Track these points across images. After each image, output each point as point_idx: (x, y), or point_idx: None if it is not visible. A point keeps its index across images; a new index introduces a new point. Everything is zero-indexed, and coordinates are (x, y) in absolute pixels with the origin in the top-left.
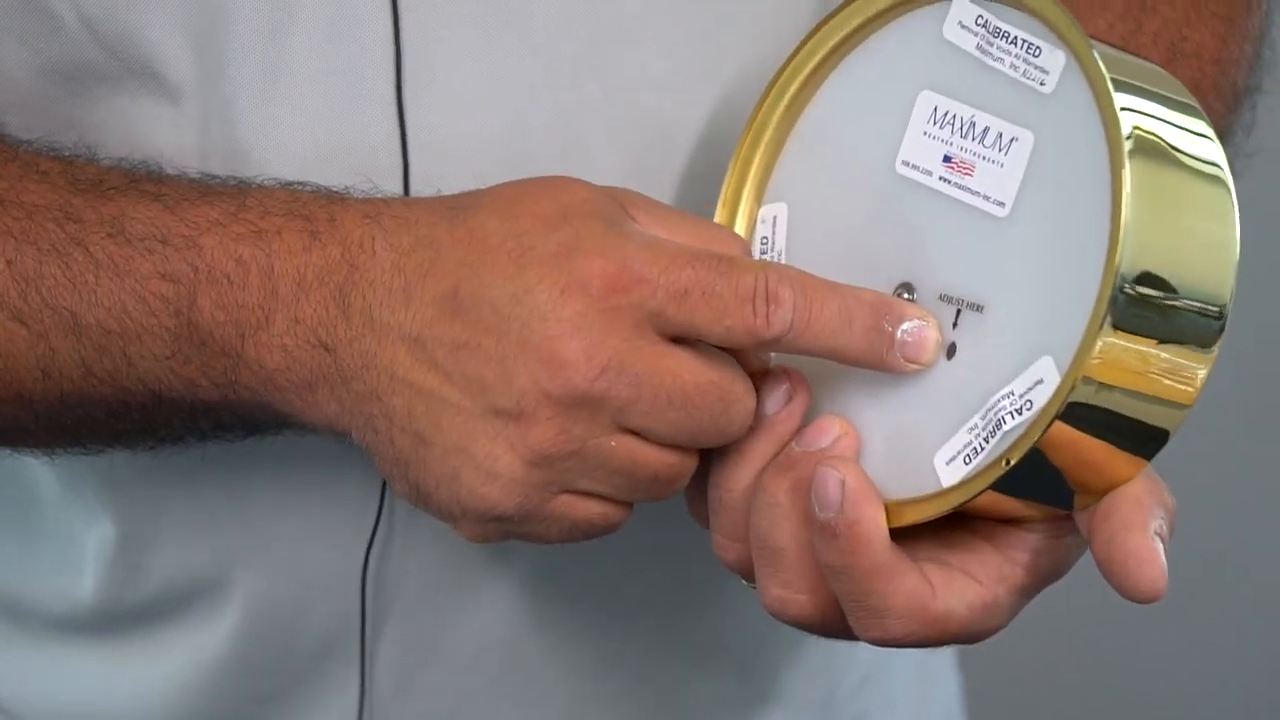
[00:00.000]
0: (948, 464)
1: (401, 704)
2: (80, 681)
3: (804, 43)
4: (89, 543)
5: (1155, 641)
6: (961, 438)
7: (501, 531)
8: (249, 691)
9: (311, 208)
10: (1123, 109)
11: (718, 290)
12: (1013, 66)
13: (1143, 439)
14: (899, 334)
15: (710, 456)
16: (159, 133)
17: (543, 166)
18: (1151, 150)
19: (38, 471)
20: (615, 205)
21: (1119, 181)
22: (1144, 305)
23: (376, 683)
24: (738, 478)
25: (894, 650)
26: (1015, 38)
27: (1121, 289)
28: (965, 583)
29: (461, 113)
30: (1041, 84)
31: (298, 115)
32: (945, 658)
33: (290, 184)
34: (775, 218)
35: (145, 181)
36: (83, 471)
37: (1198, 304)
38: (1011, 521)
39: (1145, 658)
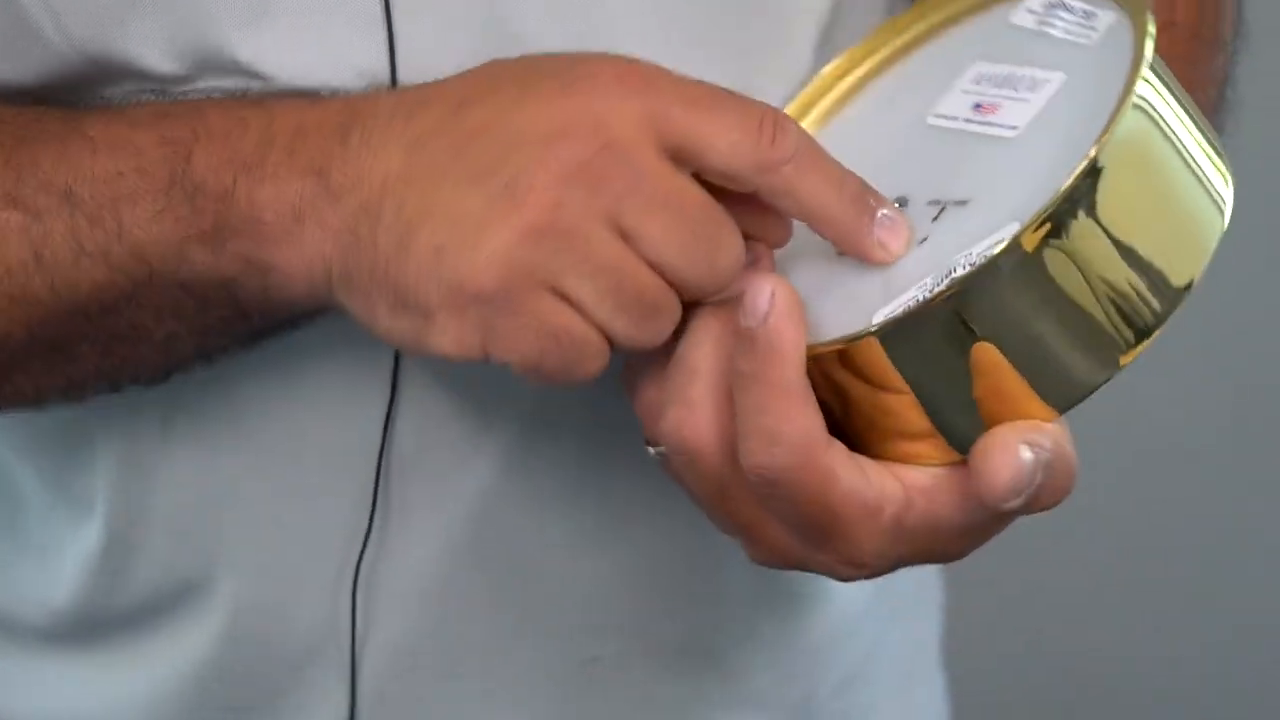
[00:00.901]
0: (883, 314)
1: (390, 712)
2: (63, 689)
3: (888, 24)
4: (72, 549)
5: (1143, 645)
6: (912, 294)
7: (479, 327)
8: (232, 699)
9: (314, 93)
10: (1153, 52)
11: (727, 104)
12: (1066, 31)
13: (1061, 380)
14: (879, 213)
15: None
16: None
17: None
18: (1166, 100)
19: (21, 477)
20: None
21: (1126, 96)
22: (1101, 209)
23: (364, 691)
24: (690, 341)
25: (877, 648)
26: (1074, 7)
27: (1089, 181)
28: (858, 471)
29: None
30: (1088, 38)
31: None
32: (929, 658)
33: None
34: None
35: (145, 99)
36: (68, 473)
37: (1154, 267)
38: (911, 458)
39: (1132, 661)
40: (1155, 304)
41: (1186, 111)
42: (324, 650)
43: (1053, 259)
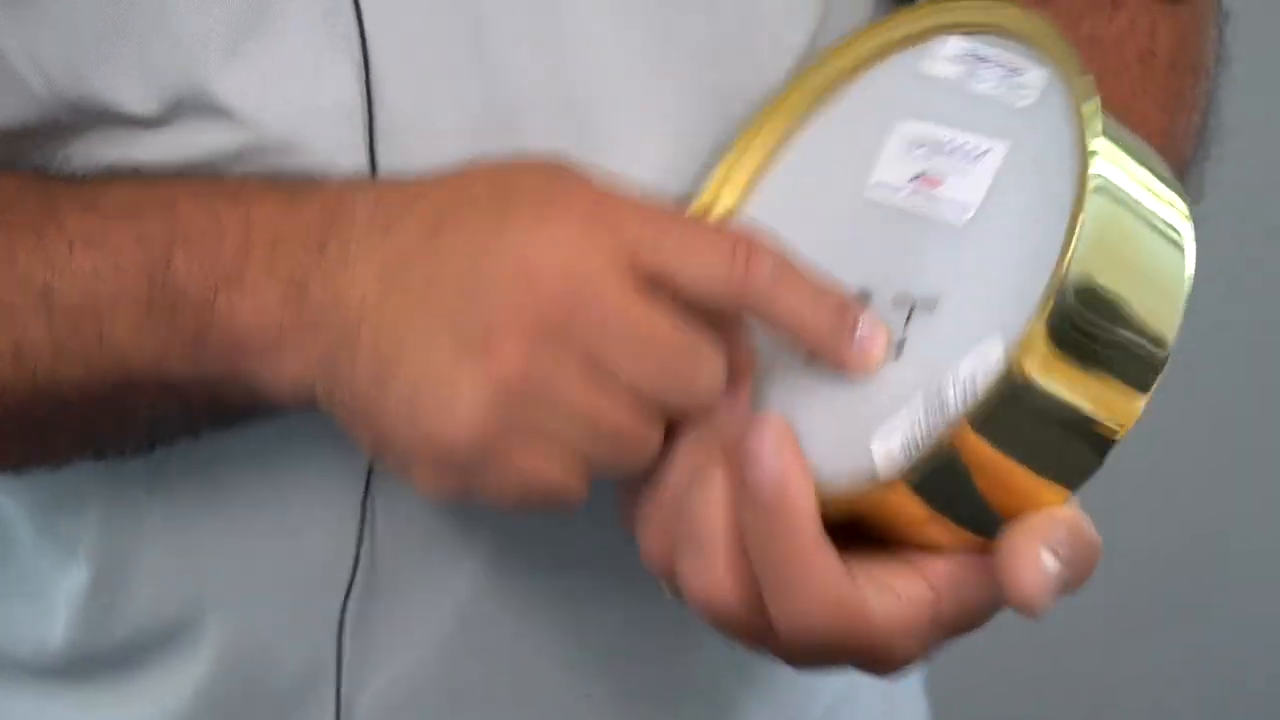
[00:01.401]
0: (888, 448)
1: None
2: None
3: (798, 79)
4: (61, 586)
5: (1128, 667)
6: (902, 426)
7: (457, 479)
8: None
9: (292, 181)
10: (1099, 118)
11: (698, 233)
12: (995, 87)
13: (1068, 464)
14: (859, 328)
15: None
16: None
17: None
18: (1121, 200)
19: (10, 514)
20: (597, 174)
21: (1083, 181)
22: (1086, 311)
23: None
24: (677, 471)
25: (859, 678)
26: (1001, 62)
27: (1068, 291)
28: (887, 592)
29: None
30: (1021, 99)
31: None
32: (912, 687)
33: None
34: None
35: (121, 168)
36: (56, 514)
37: (1138, 338)
38: (932, 548)
39: (1117, 684)
40: (1148, 367)
41: (1142, 163)
42: (313, 692)
43: (1043, 371)
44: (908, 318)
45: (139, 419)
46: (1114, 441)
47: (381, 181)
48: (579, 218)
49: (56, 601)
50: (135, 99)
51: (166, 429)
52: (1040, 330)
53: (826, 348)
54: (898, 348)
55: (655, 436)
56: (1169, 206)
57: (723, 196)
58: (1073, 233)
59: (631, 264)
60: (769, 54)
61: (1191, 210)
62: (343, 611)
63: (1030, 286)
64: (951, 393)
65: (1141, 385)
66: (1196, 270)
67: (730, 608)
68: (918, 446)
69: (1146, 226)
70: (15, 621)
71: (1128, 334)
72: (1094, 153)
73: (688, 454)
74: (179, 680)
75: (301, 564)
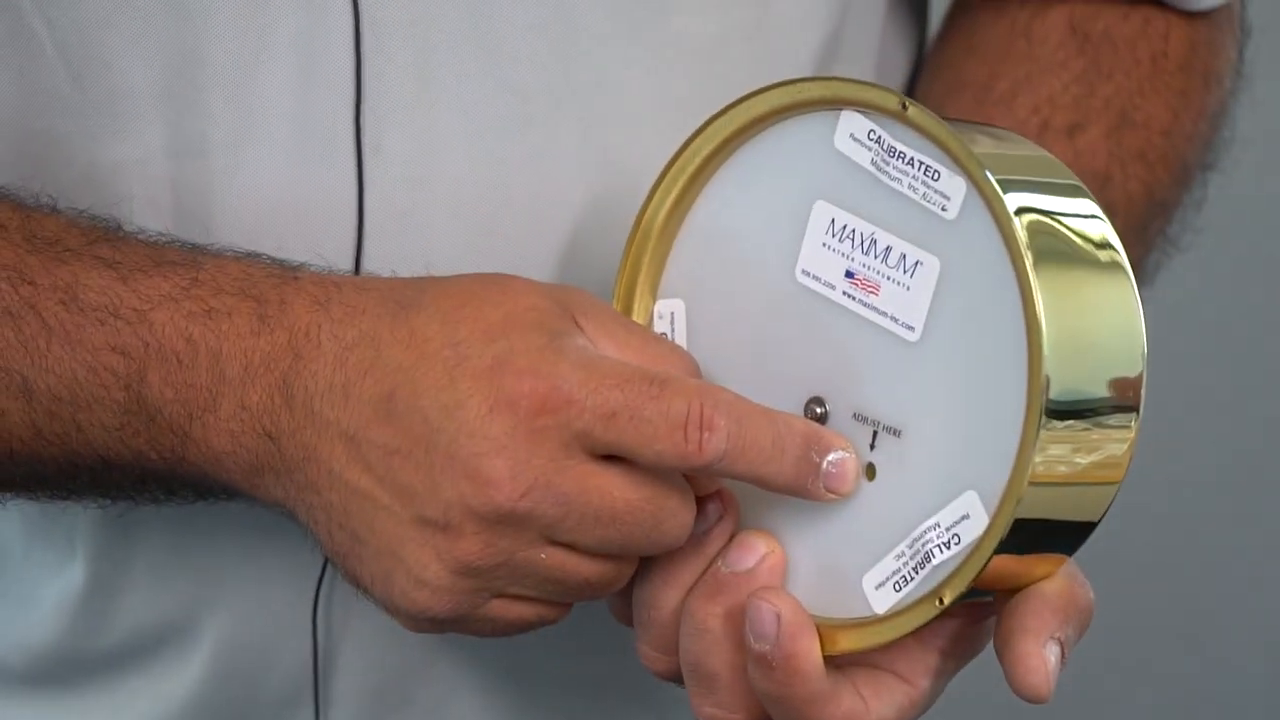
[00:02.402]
0: (877, 588)
1: None
2: None
3: (691, 139)
4: (52, 591)
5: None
6: (889, 564)
7: (438, 630)
8: None
9: (263, 287)
10: (1029, 240)
11: (647, 415)
12: (911, 188)
13: (1069, 537)
14: (824, 464)
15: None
16: (125, 175)
17: (511, 207)
18: (1058, 261)
19: (1, 518)
20: (562, 315)
21: (1035, 328)
22: (1065, 429)
23: None
24: (666, 597)
25: None
26: (912, 159)
27: (1043, 426)
28: (893, 685)
29: (425, 155)
30: (943, 209)
31: (267, 153)
32: None
33: (245, 255)
34: (673, 313)
35: (102, 244)
36: (51, 517)
37: (1114, 401)
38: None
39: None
40: (1127, 419)
41: (1066, 224)
42: (303, 690)
43: (1028, 510)
44: (873, 441)
45: (122, 492)
46: (1116, 485)
47: (343, 305)
48: (529, 412)
49: (47, 605)
50: (136, 67)
51: (149, 499)
52: (1017, 492)
53: (794, 493)
54: (869, 468)
55: (627, 571)
56: (1101, 246)
57: (640, 282)
58: (1038, 415)
59: (585, 446)
60: (781, 51)
61: (1192, 223)
62: (314, 607)
63: (998, 433)
64: (937, 550)
65: (1123, 433)
66: (1196, 270)
67: None
68: (911, 592)
69: (1095, 299)
70: (4, 626)
71: (1102, 421)
72: (1037, 281)
73: (675, 581)
74: (173, 685)
75: (289, 561)
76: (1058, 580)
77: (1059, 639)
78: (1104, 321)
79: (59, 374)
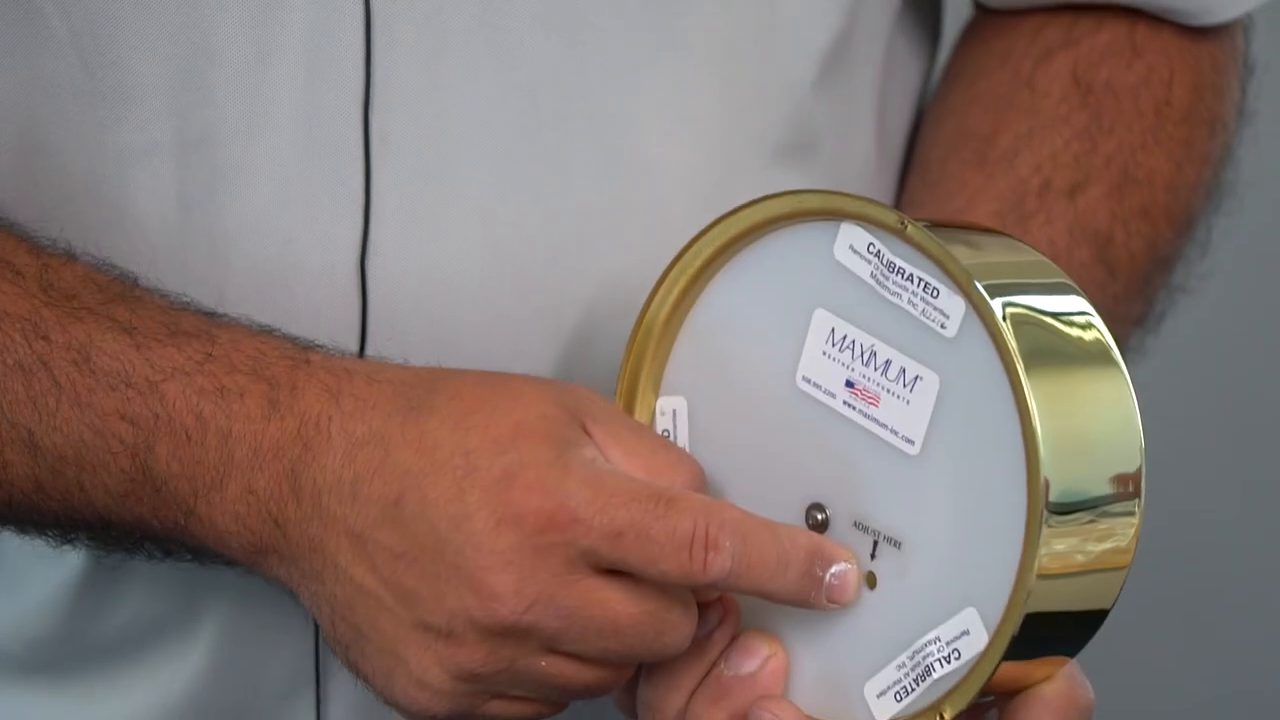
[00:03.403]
0: (879, 697)
1: None
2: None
3: (694, 240)
4: (52, 577)
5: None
6: (891, 673)
7: None
8: None
9: (276, 370)
10: (1027, 365)
11: (653, 534)
12: (911, 304)
13: (1080, 631)
14: (827, 577)
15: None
16: (132, 165)
17: (521, 204)
18: (1052, 365)
19: None
20: (570, 423)
21: (1030, 433)
22: (1068, 523)
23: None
24: (670, 701)
25: None
26: (911, 275)
27: (1045, 523)
28: None
29: (434, 151)
30: (943, 327)
31: (274, 146)
32: None
33: (259, 330)
34: (675, 410)
35: (119, 304)
36: None
37: (1115, 494)
38: None
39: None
40: (1129, 512)
41: (1071, 336)
42: (302, 684)
43: (1030, 626)
44: (873, 551)
45: (120, 550)
46: (1124, 572)
47: (354, 397)
48: (535, 529)
49: (45, 593)
50: (147, 58)
51: (148, 558)
52: (1020, 600)
53: (798, 604)
54: (869, 576)
55: (625, 676)
56: (1094, 345)
57: (643, 378)
58: (1036, 539)
59: (590, 564)
60: (788, 51)
61: (1196, 267)
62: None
63: (998, 544)
64: (937, 664)
65: (1126, 523)
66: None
67: None
68: (913, 703)
69: (1091, 398)
70: (2, 614)
71: (1106, 511)
72: (1033, 406)
73: (678, 685)
74: (172, 676)
75: None
76: (1058, 681)
77: None
78: (1101, 419)
79: (66, 434)
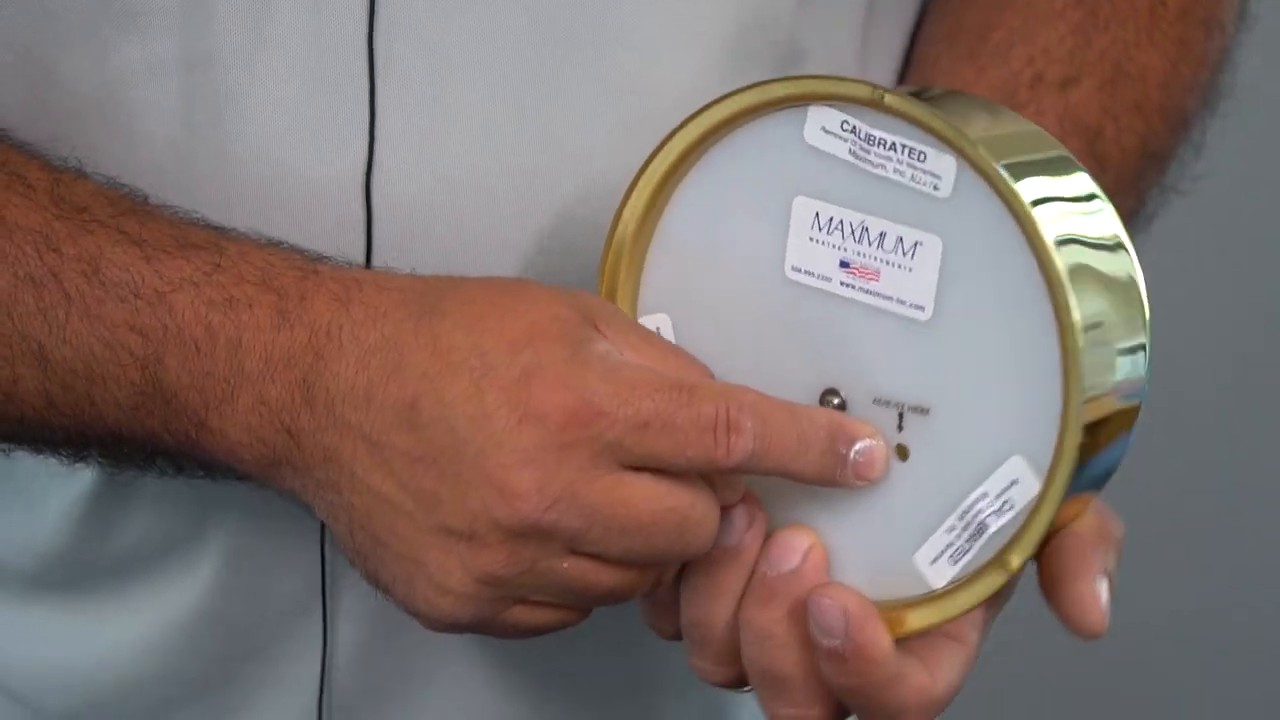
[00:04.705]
0: (932, 564)
1: (364, 670)
2: (52, 638)
3: (655, 152)
4: (62, 494)
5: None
6: (941, 538)
7: (457, 631)
8: (222, 649)
9: (285, 280)
10: (1033, 202)
11: (678, 422)
12: (898, 172)
13: (1104, 477)
14: (851, 454)
15: (677, 583)
16: (136, 85)
17: (526, 128)
18: (1059, 225)
19: None
20: (584, 324)
21: (1057, 284)
22: (1095, 360)
23: (339, 643)
24: (717, 613)
25: None
26: (894, 144)
27: (1084, 353)
28: (950, 648)
29: (438, 74)
30: (935, 188)
31: (278, 68)
32: None
33: (268, 242)
34: (659, 329)
35: (129, 218)
36: None
37: (1127, 324)
38: None
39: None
40: (1142, 340)
41: (1060, 190)
42: (309, 600)
43: (1080, 460)
44: (899, 423)
45: (132, 465)
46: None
47: (364, 305)
48: (558, 426)
49: (56, 510)
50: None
51: (160, 474)
52: (1073, 452)
53: (824, 483)
54: (900, 452)
55: (649, 579)
56: (1100, 215)
57: (619, 301)
58: (1078, 359)
59: (615, 458)
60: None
61: (1190, 169)
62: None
63: (1035, 394)
64: (991, 518)
65: (1139, 370)
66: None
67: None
68: (971, 562)
69: (1105, 269)
70: (11, 529)
71: (1119, 339)
72: (1053, 249)
73: (723, 595)
74: (182, 589)
75: None
76: (1089, 517)
77: (1106, 572)
78: (1104, 254)
79: (76, 347)
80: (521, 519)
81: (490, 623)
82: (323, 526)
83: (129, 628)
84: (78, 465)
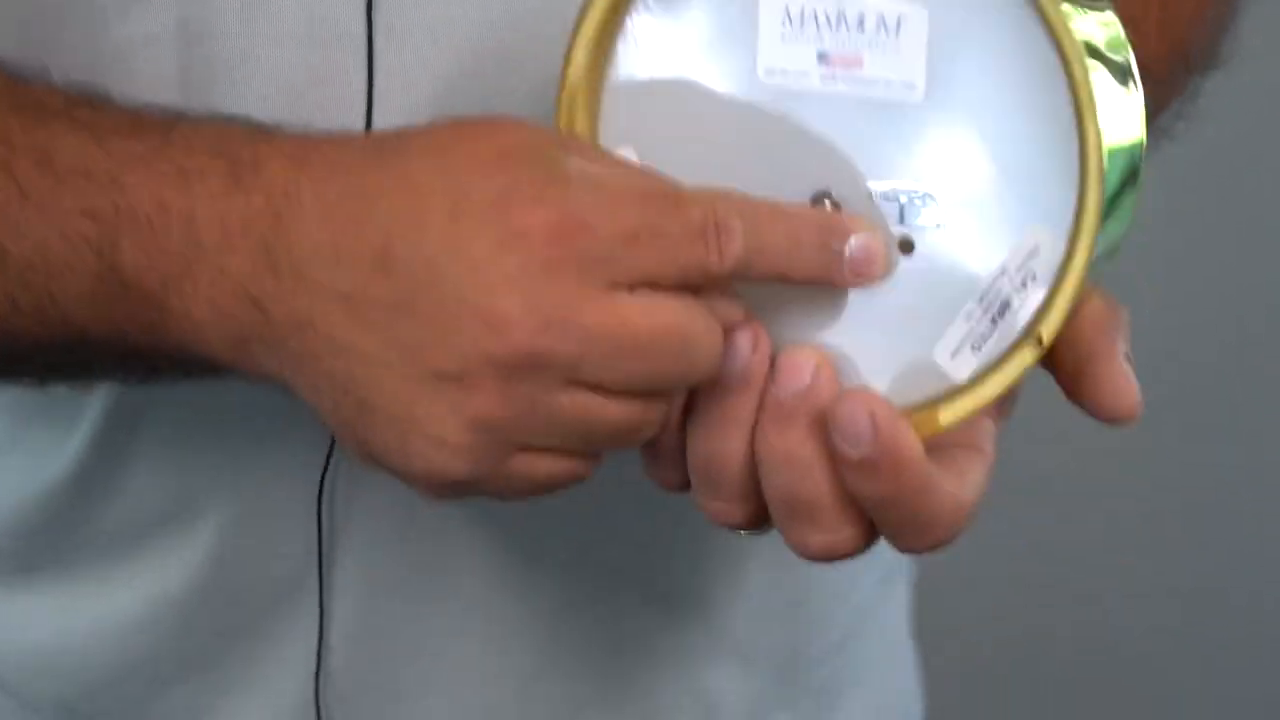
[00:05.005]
0: (953, 356)
1: (360, 643)
2: (43, 618)
3: None
4: (53, 468)
5: (1095, 607)
6: (960, 327)
7: (460, 493)
8: (217, 624)
9: (236, 146)
10: None
11: (667, 229)
12: None
13: (1115, 248)
14: (847, 251)
15: (681, 429)
16: (133, 54)
17: (524, 96)
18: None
19: (2, 392)
20: (556, 145)
21: (1060, 29)
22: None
23: (335, 620)
24: (730, 445)
25: (866, 619)
26: None
27: (1103, 137)
28: (972, 456)
29: (439, 43)
30: None
31: (276, 36)
32: (904, 626)
33: (224, 118)
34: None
35: (81, 108)
36: (49, 398)
37: (1125, 64)
38: None
39: (1089, 627)
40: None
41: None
42: (304, 576)
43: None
44: (900, 215)
45: (104, 371)
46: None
47: (323, 161)
48: (542, 243)
49: (45, 483)
50: None
51: (135, 378)
52: (1095, 215)
53: (821, 282)
54: (903, 245)
55: (655, 413)
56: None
57: (576, 126)
58: (1090, 109)
59: (605, 278)
60: None
61: (1187, 113)
62: (320, 491)
63: (1047, 153)
64: (1014, 295)
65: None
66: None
67: (856, 550)
68: (994, 346)
69: (1097, 26)
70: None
71: (1119, 79)
72: (1055, 5)
73: (735, 424)
74: (177, 565)
75: (293, 443)
76: (1096, 300)
77: (1126, 354)
78: (1100, 22)
79: (32, 240)
80: (513, 348)
81: (492, 476)
82: (319, 500)
83: (121, 604)
84: (53, 383)
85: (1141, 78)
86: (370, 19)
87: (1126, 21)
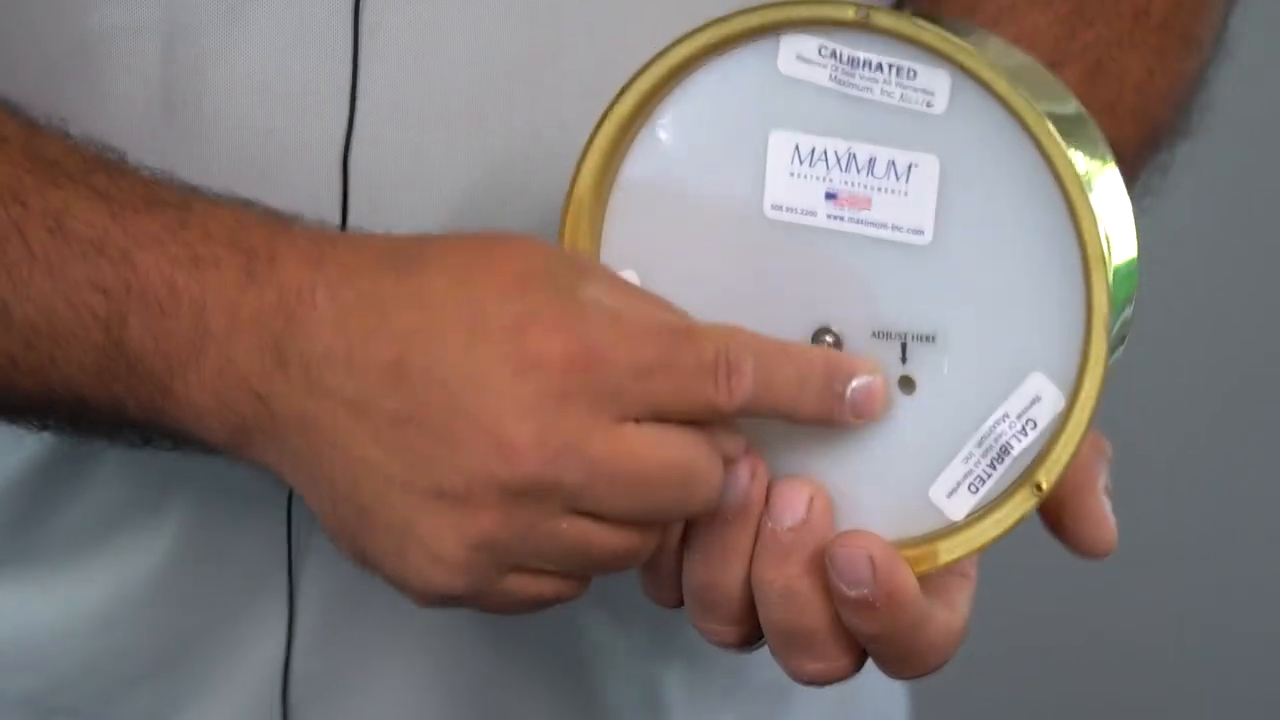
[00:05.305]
0: (949, 496)
1: (329, 644)
2: (1, 613)
3: (614, 100)
4: (14, 462)
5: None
6: (958, 468)
7: (450, 605)
8: (183, 621)
9: (254, 239)
10: (1036, 109)
11: (680, 365)
12: (886, 94)
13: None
14: (848, 392)
15: (680, 549)
16: (115, 45)
17: (511, 99)
18: (1062, 128)
19: None
20: (574, 270)
21: (1074, 188)
22: (1118, 295)
23: (303, 620)
24: (729, 573)
25: None
26: (880, 64)
27: (1113, 298)
28: (959, 582)
29: (424, 42)
30: (929, 105)
31: (260, 31)
32: None
33: (240, 202)
34: None
35: (99, 174)
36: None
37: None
38: None
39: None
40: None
41: (1057, 98)
42: (271, 574)
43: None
44: (903, 355)
45: (98, 435)
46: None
47: (339, 264)
48: (558, 372)
49: (6, 478)
50: None
51: (127, 445)
52: (1098, 375)
53: (823, 422)
54: (905, 385)
55: (652, 541)
56: (1094, 139)
57: (579, 244)
58: (1100, 269)
59: (614, 410)
60: None
61: (1156, 188)
62: (290, 492)
63: (1052, 305)
64: (1014, 440)
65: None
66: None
67: (849, 675)
68: (992, 489)
69: (1105, 182)
70: None
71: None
72: (1068, 159)
73: (733, 554)
74: (142, 558)
75: None
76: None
77: (1106, 488)
78: (1100, 167)
79: (38, 304)
80: (521, 475)
81: (486, 594)
82: (289, 498)
83: (86, 599)
84: (43, 433)
85: (1120, 164)
86: (357, 20)
87: (1101, 108)
